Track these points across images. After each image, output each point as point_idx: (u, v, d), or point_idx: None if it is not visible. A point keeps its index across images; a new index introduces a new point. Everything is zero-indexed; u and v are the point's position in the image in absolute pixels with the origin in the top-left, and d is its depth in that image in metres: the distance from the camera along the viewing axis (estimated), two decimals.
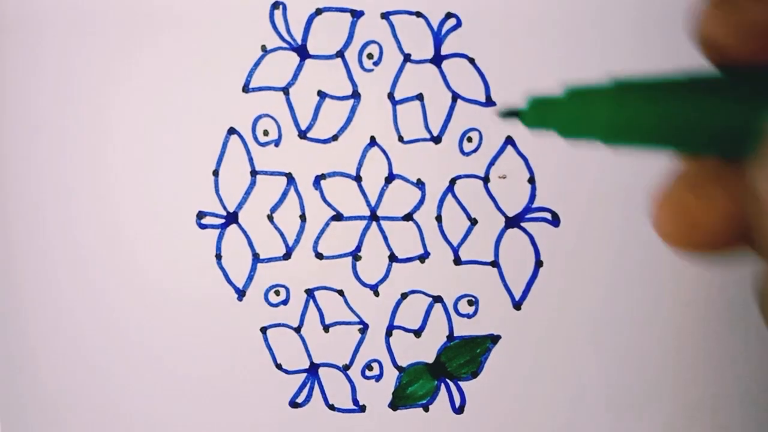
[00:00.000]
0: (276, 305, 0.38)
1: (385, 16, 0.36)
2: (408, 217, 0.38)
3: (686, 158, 0.14)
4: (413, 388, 0.38)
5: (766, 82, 0.12)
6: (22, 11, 0.36)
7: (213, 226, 0.37)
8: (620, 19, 0.36)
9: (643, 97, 0.14)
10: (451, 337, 0.38)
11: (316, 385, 0.38)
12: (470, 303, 0.38)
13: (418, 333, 0.38)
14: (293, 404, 0.38)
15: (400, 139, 0.37)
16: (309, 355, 0.38)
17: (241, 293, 0.38)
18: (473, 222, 0.37)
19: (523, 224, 0.37)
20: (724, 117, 0.12)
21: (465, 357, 0.38)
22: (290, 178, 0.37)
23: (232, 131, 0.37)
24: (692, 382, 0.38)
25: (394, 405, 0.38)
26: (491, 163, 0.37)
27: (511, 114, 0.18)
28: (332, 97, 0.37)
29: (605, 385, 0.38)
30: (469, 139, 0.37)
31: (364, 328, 0.38)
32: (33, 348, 0.38)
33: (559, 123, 0.15)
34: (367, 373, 0.38)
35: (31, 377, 0.38)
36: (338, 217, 0.37)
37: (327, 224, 0.37)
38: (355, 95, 0.37)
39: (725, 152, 0.13)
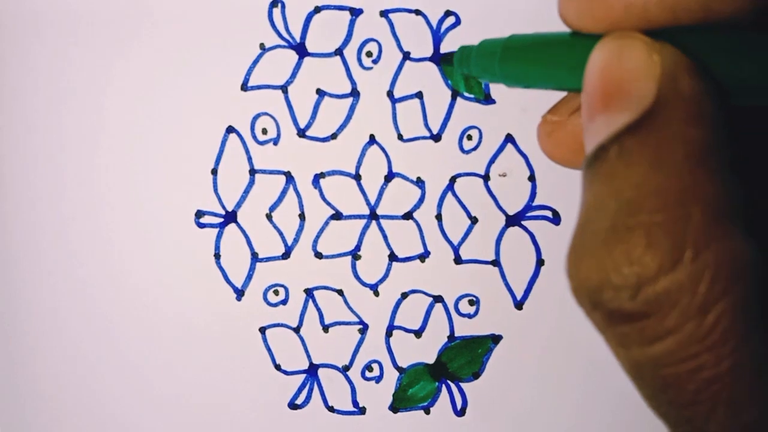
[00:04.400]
0: (275, 305, 0.37)
1: (384, 14, 0.36)
2: (408, 215, 0.37)
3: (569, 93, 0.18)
4: (414, 390, 0.38)
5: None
6: (21, 7, 0.37)
7: (212, 225, 0.37)
8: None
9: (523, 45, 0.17)
10: (452, 337, 0.38)
11: (316, 387, 0.38)
12: (471, 303, 0.37)
13: (418, 333, 0.38)
14: (292, 405, 0.38)
15: (400, 137, 0.37)
16: (308, 356, 0.38)
17: (239, 293, 0.37)
18: (474, 221, 0.37)
19: (524, 222, 0.37)
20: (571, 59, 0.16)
21: (466, 357, 0.38)
22: (289, 177, 0.37)
23: (230, 130, 0.37)
24: None
25: (395, 407, 0.38)
26: (491, 161, 0.37)
27: (446, 60, 0.21)
28: (331, 96, 0.37)
29: (610, 386, 0.37)
30: (469, 137, 0.37)
31: (363, 328, 0.38)
32: (31, 347, 0.38)
33: (473, 67, 0.18)
34: (367, 374, 0.38)
35: (30, 376, 0.38)
36: (337, 216, 0.37)
37: (326, 223, 0.37)
38: (354, 93, 0.37)
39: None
